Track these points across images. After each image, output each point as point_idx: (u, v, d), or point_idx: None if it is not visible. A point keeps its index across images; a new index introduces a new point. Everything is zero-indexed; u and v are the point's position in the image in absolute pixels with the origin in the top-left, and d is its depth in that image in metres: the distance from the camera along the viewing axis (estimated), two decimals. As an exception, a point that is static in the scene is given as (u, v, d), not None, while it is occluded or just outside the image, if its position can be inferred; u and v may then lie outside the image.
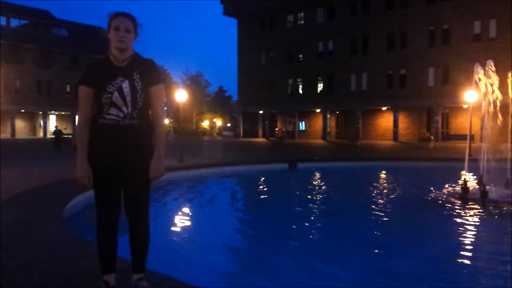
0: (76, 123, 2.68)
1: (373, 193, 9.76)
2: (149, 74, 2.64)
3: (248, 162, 15.92)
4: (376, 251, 5.20)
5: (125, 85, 2.56)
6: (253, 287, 3.94)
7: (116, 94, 2.54)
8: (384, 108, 41.18)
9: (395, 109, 39.80)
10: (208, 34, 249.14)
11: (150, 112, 2.67)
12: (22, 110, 48.02)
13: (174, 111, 57.17)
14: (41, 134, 49.04)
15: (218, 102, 75.26)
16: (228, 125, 75.15)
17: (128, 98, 2.55)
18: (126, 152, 2.56)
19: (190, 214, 7.64)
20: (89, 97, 2.58)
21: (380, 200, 8.92)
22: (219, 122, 74.90)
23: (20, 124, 48.51)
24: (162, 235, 5.43)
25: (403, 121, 40.55)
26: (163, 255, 4.38)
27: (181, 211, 7.78)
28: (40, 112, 49.84)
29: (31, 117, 50.26)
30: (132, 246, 2.67)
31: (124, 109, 2.55)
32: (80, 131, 2.58)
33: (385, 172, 13.94)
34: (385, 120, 41.66)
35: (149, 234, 2.70)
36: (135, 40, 2.64)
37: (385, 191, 10.23)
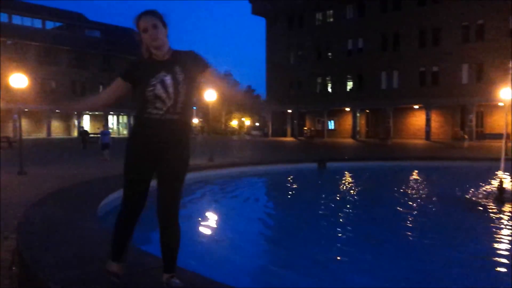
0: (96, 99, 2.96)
1: (407, 193, 9.46)
2: (194, 64, 2.68)
3: (277, 161, 15.80)
4: (414, 253, 5.09)
5: (168, 78, 2.58)
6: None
7: (159, 86, 2.56)
8: (416, 107, 40.33)
9: (427, 108, 38.90)
10: (237, 33, 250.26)
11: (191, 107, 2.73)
12: (57, 111, 49.47)
13: (203, 111, 57.65)
14: (75, 134, 50.43)
15: (246, 102, 75.32)
16: (257, 124, 75.29)
17: (171, 90, 2.58)
18: (164, 146, 2.59)
19: (219, 212, 7.65)
20: (118, 88, 2.73)
21: (414, 201, 8.62)
22: (247, 122, 75.09)
23: (55, 124, 49.99)
24: (192, 233, 5.45)
25: (436, 120, 39.61)
26: (193, 254, 4.41)
27: (210, 210, 7.81)
28: (75, 112, 51.21)
29: (66, 117, 51.72)
30: (163, 244, 2.66)
31: (167, 101, 2.57)
32: (100, 94, 2.93)
33: (418, 172, 13.53)
34: (417, 119, 40.80)
35: (180, 232, 2.69)
36: (166, 32, 2.65)
37: (419, 191, 9.93)
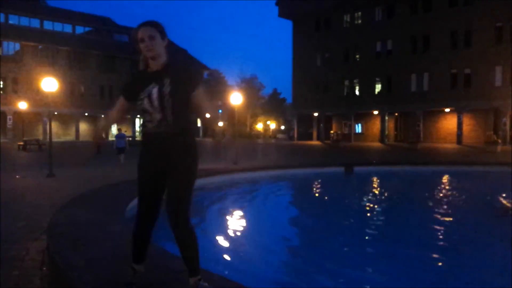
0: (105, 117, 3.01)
1: (439, 200, 9.17)
2: (185, 79, 2.69)
3: (303, 165, 15.65)
4: (451, 262, 4.91)
5: (154, 90, 2.63)
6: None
7: (146, 100, 2.65)
8: (447, 110, 39.30)
9: (459, 111, 37.85)
10: (263, 36, 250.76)
11: (196, 116, 2.87)
12: (86, 114, 50.50)
13: (229, 114, 57.86)
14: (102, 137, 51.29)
15: (272, 105, 75.36)
16: (282, 127, 75.06)
17: (156, 104, 2.62)
18: (165, 157, 2.66)
19: (244, 216, 7.55)
20: (121, 106, 2.85)
21: (447, 208, 8.33)
22: (273, 125, 74.98)
23: (83, 127, 50.95)
24: (217, 237, 5.43)
25: (468, 123, 38.50)
26: (219, 257, 4.48)
27: (235, 213, 7.73)
28: (102, 116, 52.08)
29: (94, 120, 52.68)
30: (180, 249, 2.72)
31: (155, 115, 2.63)
32: (106, 116, 2.97)
33: (450, 177, 13.07)
34: (448, 122, 39.75)
35: (195, 235, 2.70)
36: (164, 44, 2.70)
37: (451, 198, 9.58)
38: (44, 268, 4.01)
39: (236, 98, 17.91)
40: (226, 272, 3.80)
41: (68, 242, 4.04)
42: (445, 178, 13.01)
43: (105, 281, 3.01)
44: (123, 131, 17.18)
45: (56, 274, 3.52)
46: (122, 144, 16.26)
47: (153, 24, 2.66)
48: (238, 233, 6.15)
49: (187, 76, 2.71)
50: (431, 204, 8.70)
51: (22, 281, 3.71)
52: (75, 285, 2.98)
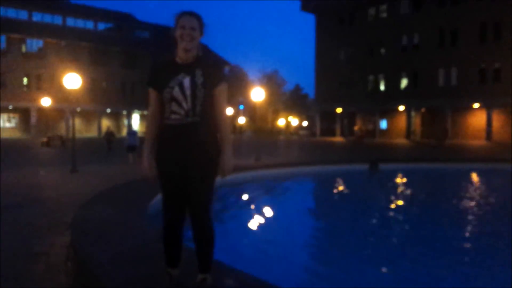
0: (147, 118, 2.80)
1: (467, 198, 8.91)
2: (213, 74, 2.65)
3: (325, 162, 15.43)
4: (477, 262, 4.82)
5: (186, 80, 2.59)
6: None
7: (176, 88, 2.58)
8: (476, 106, 37.86)
9: (488, 107, 36.45)
10: (285, 31, 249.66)
11: (214, 112, 2.67)
12: (108, 110, 50.85)
13: (250, 110, 57.39)
14: (124, 133, 51.63)
15: (294, 101, 74.65)
16: (304, 124, 74.29)
17: (188, 92, 2.57)
18: (189, 150, 2.58)
19: (266, 213, 7.47)
20: (155, 98, 2.71)
21: (476, 207, 8.04)
22: (295, 121, 74.24)
23: (106, 124, 51.39)
24: (239, 234, 5.52)
25: (498, 120, 37.02)
26: (240, 253, 4.54)
27: (258, 210, 7.67)
28: (124, 112, 52.48)
29: (116, 117, 53.10)
30: (196, 245, 2.69)
31: (184, 104, 2.57)
32: (147, 127, 2.75)
33: (479, 175, 12.57)
34: (477, 119, 38.33)
35: (214, 233, 2.68)
36: (200, 38, 2.68)
37: (479, 196, 9.30)
38: (69, 264, 4.06)
39: (257, 94, 17.41)
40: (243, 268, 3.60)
41: (92, 238, 4.15)
42: (474, 176, 12.66)
43: (129, 276, 3.07)
44: (133, 129, 16.98)
45: (80, 269, 3.58)
46: (134, 142, 15.38)
47: (196, 16, 2.65)
48: (260, 230, 6.19)
49: (216, 71, 2.67)
50: (459, 203, 8.51)
51: (47, 276, 3.76)
52: (100, 280, 3.03)
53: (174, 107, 2.58)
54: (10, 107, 44.60)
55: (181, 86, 2.58)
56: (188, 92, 2.57)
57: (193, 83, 2.58)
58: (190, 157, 2.58)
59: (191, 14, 2.64)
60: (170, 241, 2.73)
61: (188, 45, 2.59)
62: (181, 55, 2.65)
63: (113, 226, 4.68)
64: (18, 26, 44.54)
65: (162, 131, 2.63)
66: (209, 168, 2.60)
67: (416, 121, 43.26)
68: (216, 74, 2.65)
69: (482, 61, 36.84)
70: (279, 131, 68.20)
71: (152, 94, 2.70)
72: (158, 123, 2.66)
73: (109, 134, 23.84)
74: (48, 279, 3.69)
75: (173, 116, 2.58)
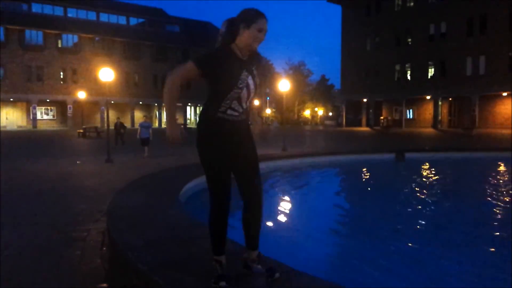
0: (167, 83, 2.62)
1: (497, 189, 8.60)
2: (261, 73, 2.74)
3: (352, 151, 15.23)
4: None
5: (250, 81, 2.62)
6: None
7: (245, 90, 2.60)
8: (504, 94, 37.28)
9: (517, 95, 35.78)
10: (311, 22, 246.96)
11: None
12: (140, 102, 52.32)
13: (276, 101, 57.92)
14: (156, 124, 53.09)
15: (320, 91, 74.55)
16: (330, 114, 74.14)
17: (251, 95, 2.65)
18: (241, 144, 2.67)
19: (291, 203, 7.55)
20: (190, 74, 2.63)
21: (506, 198, 7.82)
22: (320, 111, 74.20)
23: (138, 115, 52.82)
24: (268, 224, 5.44)
25: (528, 108, 36.34)
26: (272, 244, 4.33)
27: (283, 199, 7.75)
28: (156, 104, 53.87)
29: (148, 109, 54.49)
30: (252, 224, 2.76)
31: (244, 104, 2.63)
32: (171, 90, 2.60)
33: (508, 164, 12.35)
34: (506, 107, 37.73)
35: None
36: None
37: (508, 187, 9.08)
38: (104, 248, 4.23)
39: (283, 85, 17.99)
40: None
41: (126, 224, 4.18)
42: (503, 165, 12.31)
43: (162, 261, 3.09)
44: (147, 120, 15.71)
45: (115, 254, 3.67)
46: (146, 135, 14.77)
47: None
48: (288, 219, 6.21)
49: (263, 66, 2.79)
50: (488, 193, 8.23)
51: (84, 260, 3.97)
52: (134, 265, 3.06)
53: (235, 105, 2.60)
54: (48, 100, 46.52)
55: (248, 88, 2.61)
56: (251, 95, 2.66)
57: (255, 85, 2.66)
58: (240, 150, 2.68)
59: (266, 18, 2.63)
60: (221, 228, 2.73)
61: (257, 46, 2.65)
62: (242, 51, 2.63)
63: (146, 212, 4.74)
64: (54, 22, 46.12)
65: (214, 123, 2.60)
66: (256, 159, 2.77)
67: (443, 110, 42.88)
68: (263, 74, 3.02)
69: (511, 49, 36.15)
70: (305, 121, 68.44)
71: (192, 68, 2.59)
72: (176, 90, 2.63)
73: (119, 125, 21.58)
74: (84, 263, 3.89)
75: (229, 112, 2.59)
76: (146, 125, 15.07)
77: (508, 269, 4.06)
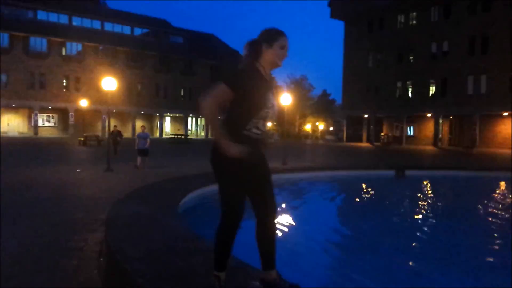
0: (205, 105, 2.54)
1: (497, 208, 8.61)
2: (275, 90, 2.82)
3: (352, 167, 15.24)
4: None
5: (275, 104, 2.69)
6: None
7: (272, 110, 2.66)
8: (505, 114, 37.35)
9: (518, 115, 35.83)
10: (314, 37, 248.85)
11: None
12: (142, 112, 52.46)
13: (278, 115, 57.79)
14: (157, 134, 53.15)
15: (321, 106, 74.77)
16: (331, 128, 74.28)
17: (275, 115, 2.71)
18: (260, 160, 2.72)
19: (289, 217, 7.48)
20: (224, 96, 2.58)
21: (505, 218, 7.78)
22: (321, 126, 74.32)
23: (139, 125, 52.99)
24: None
25: (528, 128, 36.36)
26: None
27: (285, 212, 7.70)
28: (157, 114, 54.00)
29: (149, 118, 54.68)
30: (266, 243, 2.74)
31: (267, 124, 2.71)
32: (211, 115, 2.53)
33: (508, 184, 12.33)
34: (506, 127, 37.76)
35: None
36: None
37: (506, 206, 9.08)
38: (101, 259, 4.18)
39: (285, 99, 18.04)
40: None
41: (124, 234, 4.17)
42: (503, 185, 12.33)
43: (159, 273, 3.08)
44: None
45: (112, 265, 3.65)
46: (144, 145, 14.30)
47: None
48: (285, 233, 6.15)
49: (275, 89, 2.84)
50: (487, 212, 8.21)
51: (80, 270, 3.93)
52: (131, 277, 3.05)
53: (260, 124, 2.65)
54: (50, 107, 46.64)
55: (273, 108, 2.68)
56: (275, 114, 2.72)
57: (276, 107, 2.72)
58: (261, 167, 2.74)
59: (286, 34, 2.72)
60: (229, 244, 2.70)
61: (281, 63, 2.72)
62: (267, 69, 2.71)
63: (144, 223, 4.73)
64: (59, 29, 46.40)
65: (241, 141, 2.57)
66: (271, 176, 2.82)
67: (444, 128, 42.94)
68: (276, 95, 2.82)
69: (512, 69, 36.33)
70: (306, 135, 68.51)
71: (226, 93, 2.57)
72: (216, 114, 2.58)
73: (116, 134, 20.60)
74: (81, 273, 3.85)
75: (254, 130, 2.63)
76: (143, 136, 14.76)
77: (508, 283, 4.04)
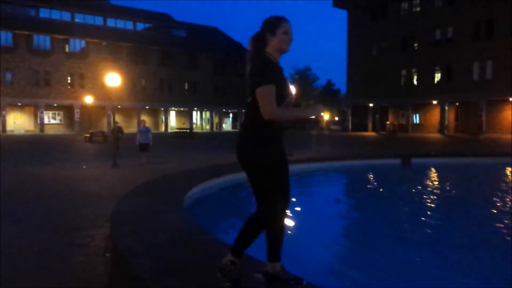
0: (275, 112, 2.54)
1: (504, 195, 8.53)
2: None
3: (357, 156, 15.18)
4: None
5: (292, 88, 2.72)
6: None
7: (292, 96, 2.70)
8: (511, 99, 37.02)
9: (525, 100, 35.54)
10: (318, 27, 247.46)
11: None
12: (147, 107, 52.55)
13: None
14: (162, 129, 53.26)
15: (326, 96, 74.52)
16: (336, 118, 74.10)
17: (294, 101, 2.73)
18: (284, 148, 2.76)
19: (301, 207, 7.35)
20: (274, 96, 2.56)
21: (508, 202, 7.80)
22: (326, 116, 74.10)
23: (145, 119, 53.13)
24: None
25: (535, 113, 36.06)
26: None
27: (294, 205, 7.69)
28: (162, 108, 54.07)
29: (154, 113, 54.78)
30: (278, 238, 2.75)
31: None
32: (284, 113, 2.61)
33: None
34: (512, 112, 37.46)
35: None
36: None
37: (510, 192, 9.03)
38: (107, 255, 4.19)
39: (290, 90, 17.95)
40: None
41: (129, 230, 4.15)
42: (509, 171, 12.23)
43: (164, 268, 3.08)
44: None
45: (118, 260, 3.62)
46: (146, 140, 14.02)
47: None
48: (295, 225, 6.04)
49: None
50: (495, 199, 8.11)
51: (87, 266, 3.96)
52: (135, 271, 3.05)
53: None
54: (55, 104, 46.85)
55: (292, 94, 2.73)
56: (293, 103, 2.74)
57: (294, 93, 2.74)
58: (286, 157, 2.76)
59: (288, 21, 2.72)
60: (258, 234, 2.70)
61: (288, 48, 2.71)
62: (276, 57, 2.71)
63: (150, 218, 4.74)
64: (61, 27, 46.50)
65: (274, 129, 2.62)
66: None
67: (450, 115, 42.67)
68: None
69: (518, 54, 35.96)
70: (311, 126, 68.26)
71: (274, 91, 2.55)
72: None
73: (117, 130, 18.66)
74: (87, 269, 3.88)
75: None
76: (144, 130, 14.43)
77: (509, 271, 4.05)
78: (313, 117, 2.63)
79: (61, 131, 47.54)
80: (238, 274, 2.73)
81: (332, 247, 5.12)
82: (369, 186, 10.42)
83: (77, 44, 47.89)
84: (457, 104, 42.10)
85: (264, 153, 2.58)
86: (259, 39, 2.68)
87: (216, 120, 58.90)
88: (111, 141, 14.43)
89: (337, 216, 6.93)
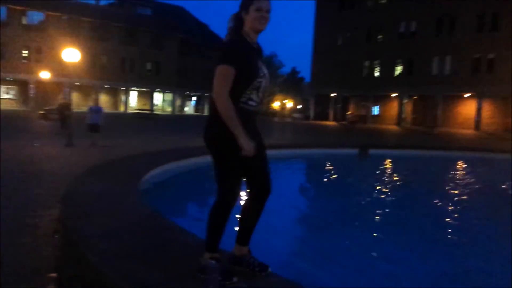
0: (221, 100, 2.47)
1: (453, 185, 9.03)
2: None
3: (316, 145, 15.45)
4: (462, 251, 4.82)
5: (266, 71, 2.63)
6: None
7: (265, 78, 2.61)
8: (467, 95, 38.59)
9: (479, 96, 37.18)
10: (285, 14, 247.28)
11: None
12: (107, 86, 51.06)
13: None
14: (122, 109, 51.98)
15: (290, 84, 74.90)
16: (299, 107, 74.70)
17: (268, 84, 2.66)
18: (256, 134, 2.65)
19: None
20: (231, 78, 2.48)
21: (461, 194, 8.19)
22: (289, 104, 74.58)
23: (103, 99, 51.61)
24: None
25: (487, 110, 37.83)
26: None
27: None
28: (122, 88, 52.68)
29: (114, 92, 53.30)
30: (254, 218, 2.74)
31: (261, 94, 2.63)
32: (232, 109, 2.46)
33: (467, 163, 12.88)
34: (467, 108, 39.11)
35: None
36: None
37: (466, 184, 9.46)
38: (56, 236, 4.09)
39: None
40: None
41: (81, 212, 4.04)
42: (460, 164, 12.74)
43: (116, 252, 3.01)
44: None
45: (67, 243, 3.56)
46: (96, 120, 12.98)
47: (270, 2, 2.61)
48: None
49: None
50: (445, 189, 8.60)
51: (34, 248, 3.85)
52: (84, 254, 2.99)
53: (254, 95, 2.58)
54: (9, 78, 44.71)
55: (265, 77, 2.61)
56: (268, 83, 2.67)
57: (268, 73, 2.66)
58: (260, 139, 2.68)
59: None
60: (224, 223, 2.61)
61: (264, 26, 2.58)
62: (252, 37, 2.61)
63: (103, 200, 4.59)
64: (19, -3, 44.31)
65: (239, 114, 2.48)
66: (265, 151, 2.75)
67: (408, 108, 43.97)
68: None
69: (476, 51, 37.33)
70: (274, 113, 68.62)
71: (231, 73, 2.47)
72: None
73: (63, 107, 17.50)
74: (34, 251, 3.76)
75: (250, 102, 2.57)
76: (95, 110, 13.33)
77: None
78: (242, 144, 2.44)
79: (14, 106, 45.48)
80: (226, 266, 2.66)
81: (282, 233, 5.13)
82: (325, 175, 10.52)
83: (36, 16, 45.74)
84: (415, 97, 43.39)
85: (220, 129, 2.50)
86: (236, 18, 2.62)
87: (178, 102, 58.06)
88: (57, 118, 13.79)
89: (289, 203, 6.87)
